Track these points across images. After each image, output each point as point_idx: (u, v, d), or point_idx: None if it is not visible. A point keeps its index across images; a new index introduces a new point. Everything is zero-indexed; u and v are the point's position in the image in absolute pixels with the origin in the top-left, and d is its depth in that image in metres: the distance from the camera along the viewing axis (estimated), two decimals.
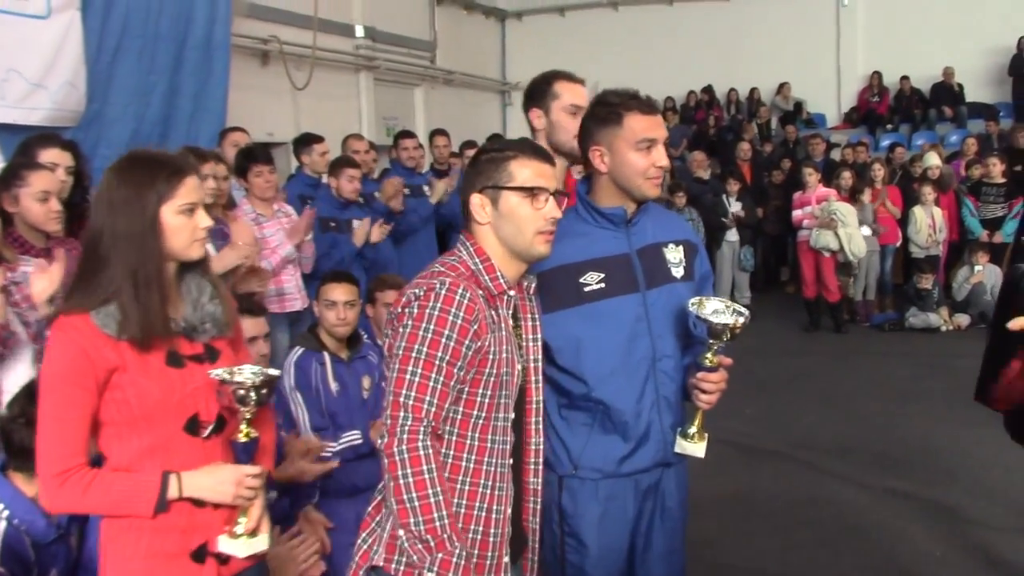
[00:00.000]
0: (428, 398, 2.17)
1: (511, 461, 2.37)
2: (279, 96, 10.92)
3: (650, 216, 2.81)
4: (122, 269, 2.17)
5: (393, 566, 2.24)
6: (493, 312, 2.32)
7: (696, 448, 2.75)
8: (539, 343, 2.49)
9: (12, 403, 2.78)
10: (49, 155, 3.98)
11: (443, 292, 2.21)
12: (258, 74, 10.63)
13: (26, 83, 5.77)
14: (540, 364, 2.49)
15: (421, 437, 2.15)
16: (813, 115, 15.76)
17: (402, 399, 2.17)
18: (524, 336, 2.47)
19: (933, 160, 11.38)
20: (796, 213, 10.41)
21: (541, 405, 2.49)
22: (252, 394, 2.26)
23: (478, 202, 2.35)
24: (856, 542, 4.80)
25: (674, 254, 2.80)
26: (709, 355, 2.62)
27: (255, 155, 5.68)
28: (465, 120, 14.51)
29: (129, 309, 2.16)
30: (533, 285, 2.51)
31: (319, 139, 7.10)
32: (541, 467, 2.48)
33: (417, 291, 2.23)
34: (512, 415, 2.37)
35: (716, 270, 10.84)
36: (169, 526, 2.23)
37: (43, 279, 3.32)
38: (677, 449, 2.75)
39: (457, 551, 2.14)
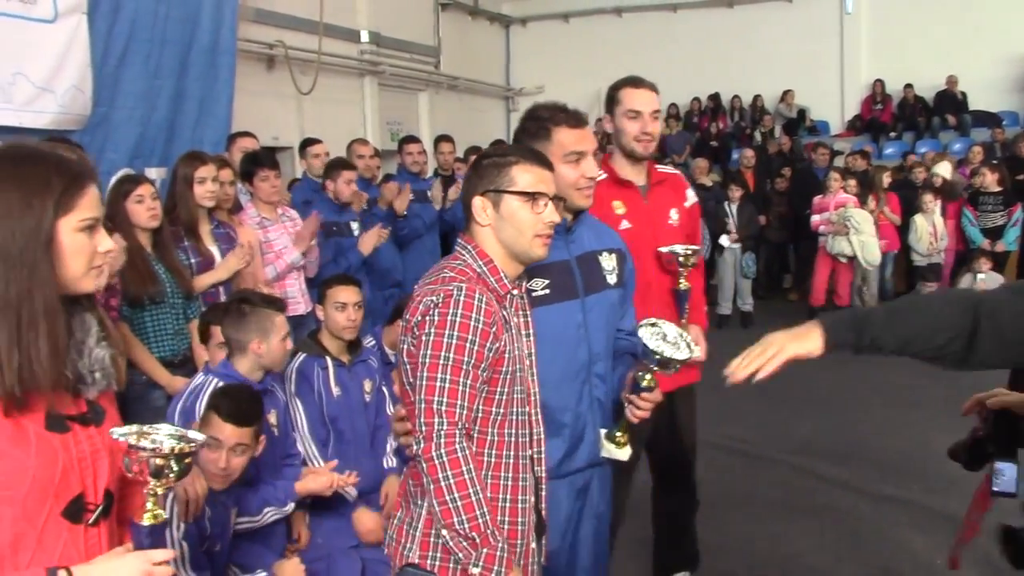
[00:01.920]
0: (459, 402, 2.25)
1: (531, 452, 2.48)
2: (284, 101, 10.97)
3: (586, 225, 2.96)
4: None
5: (428, 562, 2.34)
6: (504, 312, 2.41)
7: (621, 452, 2.86)
8: (531, 338, 2.55)
9: None
10: None
11: (462, 298, 2.28)
12: (264, 79, 10.68)
13: (33, 87, 5.80)
14: (534, 357, 2.55)
15: (457, 439, 2.23)
16: (816, 123, 15.79)
17: (435, 405, 2.23)
18: (520, 331, 2.52)
19: (943, 170, 11.37)
20: (815, 218, 10.41)
21: (537, 396, 2.54)
22: (173, 464, 1.75)
23: (480, 204, 2.44)
24: (856, 549, 4.82)
25: (608, 261, 2.95)
26: (649, 377, 2.69)
27: (261, 160, 5.70)
28: (469, 126, 14.56)
29: (5, 356, 1.62)
30: (524, 284, 2.59)
31: (316, 141, 7.12)
32: (544, 455, 2.56)
33: (435, 298, 2.29)
34: (527, 408, 2.47)
35: (718, 276, 10.85)
36: None
37: None
38: (604, 453, 2.87)
39: (500, 545, 2.23)
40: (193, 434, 1.85)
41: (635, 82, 3.69)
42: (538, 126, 2.84)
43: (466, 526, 2.20)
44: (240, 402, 3.10)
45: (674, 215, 3.78)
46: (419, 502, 2.36)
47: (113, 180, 4.65)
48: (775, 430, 6.90)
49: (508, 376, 2.38)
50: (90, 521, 1.75)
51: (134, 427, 1.77)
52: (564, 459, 2.81)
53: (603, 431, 2.88)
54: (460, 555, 2.23)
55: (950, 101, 14.78)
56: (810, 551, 4.81)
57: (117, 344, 1.84)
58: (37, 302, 1.64)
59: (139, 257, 4.24)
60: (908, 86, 14.97)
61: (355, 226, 6.34)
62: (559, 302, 2.79)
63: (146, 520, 1.75)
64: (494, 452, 2.38)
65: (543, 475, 2.56)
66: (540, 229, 2.43)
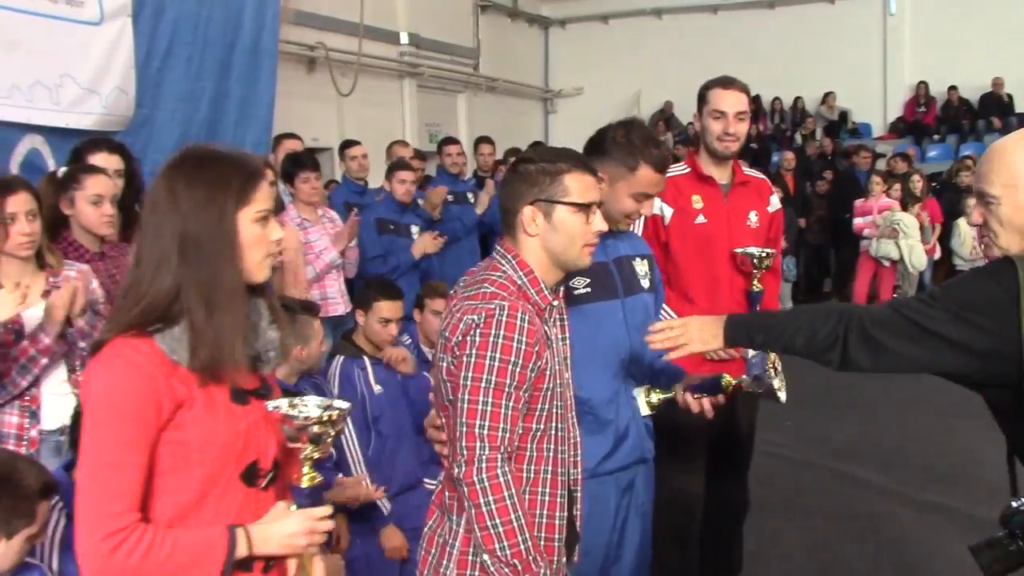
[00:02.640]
0: (502, 425, 2.21)
1: (570, 467, 2.44)
2: (324, 102, 11.04)
3: (618, 234, 3.04)
4: (194, 284, 1.86)
5: None
6: (545, 327, 2.35)
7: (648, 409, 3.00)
8: (567, 342, 2.54)
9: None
10: (97, 159, 4.03)
11: (504, 319, 2.22)
12: (304, 81, 10.77)
13: (79, 88, 5.87)
14: (570, 361, 2.54)
15: (499, 464, 2.19)
16: (858, 125, 15.63)
17: (477, 430, 2.20)
18: (558, 339, 2.50)
19: None
20: (857, 221, 10.27)
21: (573, 400, 2.54)
22: (330, 429, 1.95)
23: (530, 215, 2.36)
24: (897, 557, 4.76)
25: (641, 267, 3.08)
26: (730, 383, 2.88)
27: (302, 162, 5.75)
28: (507, 128, 14.56)
29: (202, 333, 1.85)
30: (562, 288, 2.55)
31: (354, 143, 7.16)
32: (580, 460, 2.52)
33: (475, 317, 2.23)
34: (566, 423, 2.43)
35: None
36: None
37: (63, 294, 3.21)
38: (643, 411, 2.99)
39: (542, 571, 2.20)
40: (339, 403, 2.02)
41: (724, 83, 3.76)
42: (627, 153, 2.92)
43: (508, 553, 2.17)
44: None
45: (753, 217, 3.80)
46: (454, 516, 2.33)
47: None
48: (817, 435, 6.83)
49: (548, 392, 2.34)
50: (262, 485, 1.98)
51: (284, 400, 1.97)
52: (608, 456, 2.88)
53: (643, 388, 2.99)
54: None
55: (995, 103, 14.57)
56: (850, 558, 4.76)
57: (284, 328, 2.07)
58: (226, 286, 1.88)
59: None
60: (952, 88, 14.77)
61: (415, 230, 6.37)
62: (601, 300, 2.89)
63: (305, 483, 1.97)
64: (532, 467, 2.34)
65: (580, 477, 2.53)
66: (589, 239, 2.39)
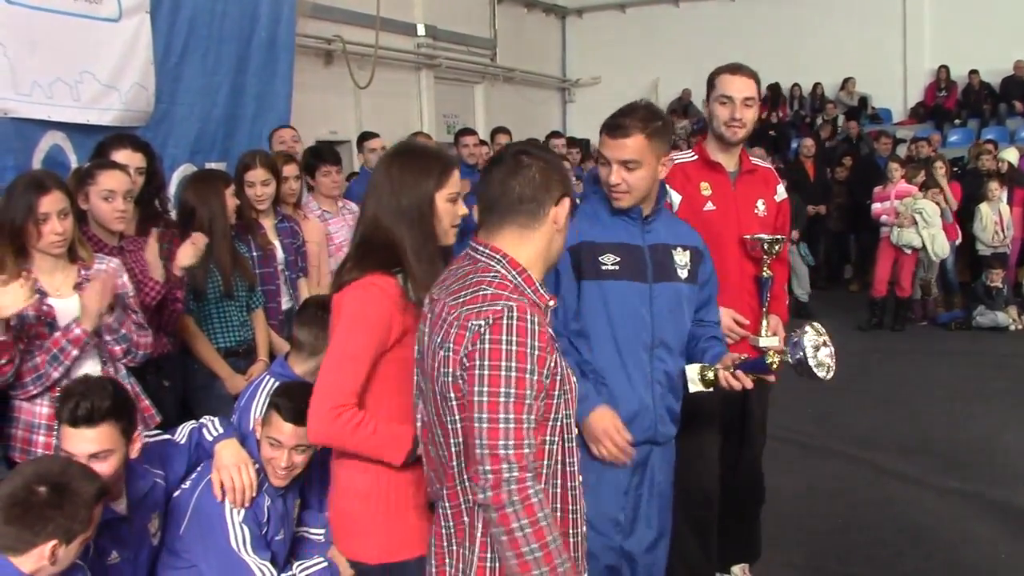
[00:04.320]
0: (527, 441, 2.05)
1: (580, 479, 2.31)
2: (342, 95, 11.08)
3: (662, 219, 3.17)
4: (409, 243, 2.45)
5: None
6: (549, 328, 2.21)
7: (703, 386, 3.09)
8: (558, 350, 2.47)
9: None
10: (120, 156, 4.07)
11: (514, 322, 2.06)
12: (321, 73, 10.80)
13: (99, 84, 5.91)
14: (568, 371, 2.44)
15: (530, 484, 2.04)
16: (878, 110, 15.51)
17: (501, 452, 2.03)
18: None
19: (1011, 156, 11.10)
20: (875, 207, 10.18)
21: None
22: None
23: (564, 209, 2.26)
24: (918, 542, 4.75)
25: (681, 257, 3.14)
26: (776, 362, 2.98)
27: (323, 155, 5.77)
28: (525, 118, 14.56)
29: (420, 277, 2.41)
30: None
31: (373, 135, 7.17)
32: (578, 466, 2.35)
33: (481, 322, 2.07)
34: (572, 433, 2.28)
35: None
36: (406, 479, 2.44)
37: (97, 288, 3.30)
38: (691, 388, 3.09)
39: None
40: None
41: (732, 69, 3.75)
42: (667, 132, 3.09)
43: None
44: (300, 401, 3.12)
45: (761, 206, 3.79)
46: (468, 545, 2.17)
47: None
48: (837, 422, 6.82)
49: (560, 399, 2.19)
50: None
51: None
52: None
53: (697, 366, 3.09)
54: None
55: (1017, 86, 14.41)
56: (871, 544, 4.75)
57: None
58: (430, 246, 2.49)
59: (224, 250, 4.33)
60: (973, 72, 14.62)
61: None
62: (627, 280, 2.98)
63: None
64: (547, 483, 2.19)
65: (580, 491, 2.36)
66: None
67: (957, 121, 14.84)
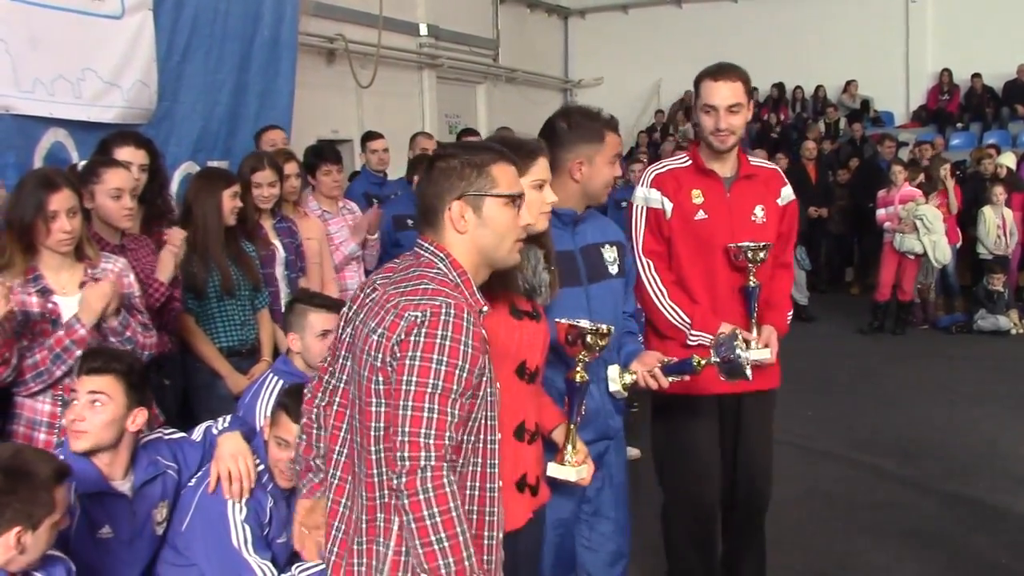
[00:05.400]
0: (448, 433, 2.06)
1: (500, 484, 2.29)
2: (344, 94, 11.08)
3: (590, 220, 3.20)
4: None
5: None
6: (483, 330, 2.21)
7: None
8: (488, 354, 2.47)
9: None
10: (123, 153, 4.07)
11: (451, 319, 2.08)
12: (324, 72, 10.80)
13: (101, 82, 5.91)
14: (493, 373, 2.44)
15: (445, 474, 2.04)
16: (881, 113, 15.49)
17: (421, 438, 2.03)
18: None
19: (1009, 160, 11.10)
20: (880, 212, 10.16)
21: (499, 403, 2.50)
22: (600, 341, 2.69)
23: (459, 210, 2.23)
24: (918, 548, 4.74)
25: (610, 253, 3.19)
26: (700, 364, 3.03)
27: (324, 154, 5.74)
28: (527, 118, 14.48)
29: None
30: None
31: (377, 136, 7.16)
32: (499, 470, 2.34)
33: (419, 315, 2.08)
34: (496, 435, 2.28)
35: None
36: (501, 457, 2.33)
37: (103, 287, 3.28)
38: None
39: None
40: (602, 326, 2.73)
41: (714, 73, 3.51)
42: (588, 130, 3.13)
43: (452, 570, 2.01)
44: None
45: (759, 212, 3.57)
46: (382, 540, 2.15)
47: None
48: (837, 425, 6.81)
49: (483, 400, 2.19)
50: (529, 379, 2.62)
51: (566, 320, 2.73)
52: None
53: (617, 367, 3.12)
54: None
55: (1020, 90, 14.40)
56: (870, 548, 4.74)
57: (555, 273, 2.72)
58: (517, 233, 2.34)
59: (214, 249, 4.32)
60: (976, 75, 14.59)
61: None
62: (563, 287, 2.88)
63: (577, 379, 2.74)
64: (467, 484, 2.20)
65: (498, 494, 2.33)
66: (519, 233, 2.31)
67: (959, 125, 14.82)
